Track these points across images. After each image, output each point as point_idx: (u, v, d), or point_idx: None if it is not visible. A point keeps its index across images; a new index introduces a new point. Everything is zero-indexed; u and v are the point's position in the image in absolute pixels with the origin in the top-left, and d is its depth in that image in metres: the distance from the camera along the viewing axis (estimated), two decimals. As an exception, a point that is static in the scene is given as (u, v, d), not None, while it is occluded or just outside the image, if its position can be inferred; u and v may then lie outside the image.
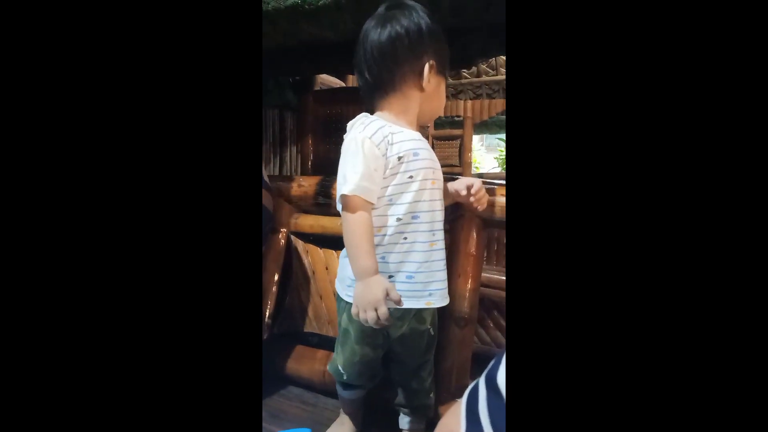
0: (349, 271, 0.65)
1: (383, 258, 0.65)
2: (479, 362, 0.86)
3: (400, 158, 0.65)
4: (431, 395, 0.79)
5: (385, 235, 0.65)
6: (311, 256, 1.02)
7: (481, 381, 0.35)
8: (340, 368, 0.74)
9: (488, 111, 2.99)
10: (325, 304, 0.98)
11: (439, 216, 0.70)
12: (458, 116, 3.05)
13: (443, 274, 0.70)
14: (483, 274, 0.88)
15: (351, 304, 0.64)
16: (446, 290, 0.71)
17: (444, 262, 0.70)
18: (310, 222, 1.02)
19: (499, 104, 2.89)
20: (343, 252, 0.69)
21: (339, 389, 0.78)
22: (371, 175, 0.63)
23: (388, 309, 0.59)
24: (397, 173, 0.65)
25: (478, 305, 0.86)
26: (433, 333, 0.75)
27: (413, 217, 0.66)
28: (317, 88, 1.46)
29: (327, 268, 0.99)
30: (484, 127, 3.32)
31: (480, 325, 1.15)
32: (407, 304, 0.64)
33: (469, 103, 3.01)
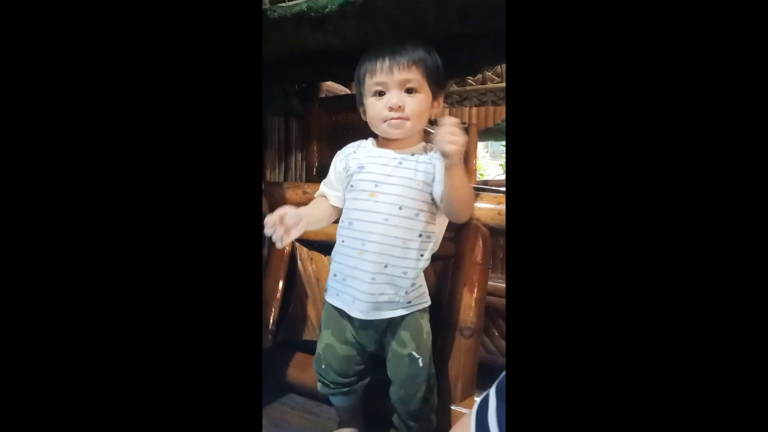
0: (330, 279, 0.76)
1: (334, 257, 0.76)
2: (484, 372, 0.86)
3: (348, 171, 0.75)
4: (431, 427, 0.76)
5: (339, 235, 0.75)
6: (315, 263, 1.02)
7: (492, 391, 0.35)
8: (319, 361, 0.77)
9: (493, 118, 2.98)
10: (329, 312, 0.97)
11: (376, 228, 0.69)
12: (463, 123, 3.05)
13: (370, 288, 0.69)
14: (488, 283, 0.87)
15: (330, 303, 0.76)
16: (371, 306, 0.70)
17: (372, 276, 0.69)
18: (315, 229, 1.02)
19: (504, 111, 2.88)
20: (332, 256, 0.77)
21: (329, 395, 0.79)
22: (331, 182, 0.79)
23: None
24: (349, 183, 0.75)
25: (484, 314, 0.85)
26: (421, 363, 0.71)
27: (349, 223, 0.73)
28: (322, 95, 1.46)
29: (331, 276, 0.99)
30: (489, 134, 3.32)
31: (485, 334, 1.14)
32: (336, 302, 0.75)
33: (474, 110, 3.01)
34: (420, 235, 0.70)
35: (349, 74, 0.99)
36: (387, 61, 0.70)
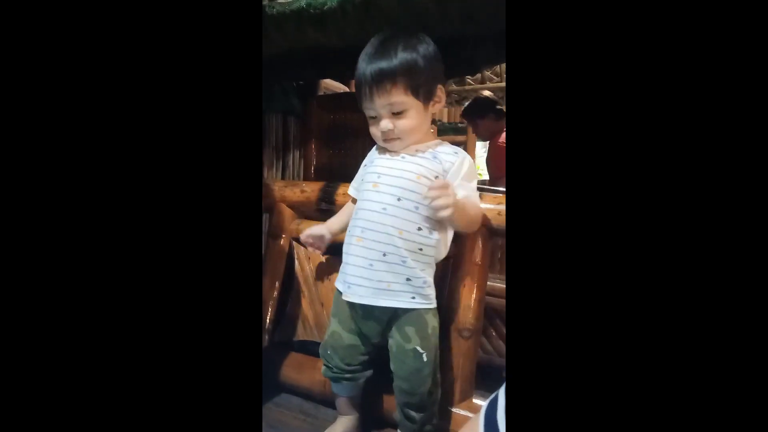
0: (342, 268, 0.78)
1: (344, 246, 0.77)
2: (481, 372, 0.85)
3: (365, 167, 0.80)
4: (433, 422, 0.76)
5: (348, 226, 0.78)
6: (313, 262, 1.01)
7: (501, 391, 0.36)
8: (325, 346, 0.80)
9: (492, 118, 2.98)
10: (327, 312, 0.97)
11: (374, 216, 0.71)
12: (462, 122, 3.05)
13: (368, 273, 0.71)
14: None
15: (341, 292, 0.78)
16: (370, 291, 0.71)
17: (370, 262, 0.71)
18: (313, 228, 1.01)
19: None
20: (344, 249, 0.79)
21: (332, 386, 0.81)
22: (356, 178, 0.84)
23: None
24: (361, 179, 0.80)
25: (483, 315, 0.84)
26: (425, 358, 0.72)
27: (355, 213, 0.76)
28: (321, 93, 1.45)
29: (329, 276, 0.98)
30: (487, 133, 3.32)
31: (483, 334, 1.13)
32: (340, 287, 0.77)
33: (473, 109, 3.00)
34: (419, 229, 0.71)
35: (348, 72, 0.99)
36: (368, 89, 0.70)
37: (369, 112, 0.73)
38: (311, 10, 0.77)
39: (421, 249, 0.71)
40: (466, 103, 2.28)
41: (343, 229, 0.81)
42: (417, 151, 0.74)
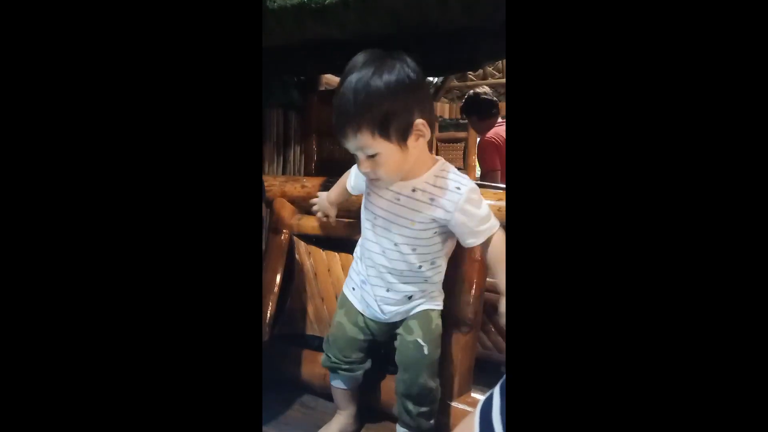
0: (351, 271, 0.82)
1: (355, 258, 0.81)
2: (480, 367, 0.86)
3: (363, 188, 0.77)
4: (430, 421, 0.77)
5: (358, 244, 0.80)
6: (313, 257, 1.02)
7: (496, 390, 0.36)
8: (327, 335, 0.82)
9: (493, 114, 2.97)
10: (327, 306, 0.97)
11: (375, 258, 0.73)
12: (463, 119, 3.04)
13: (377, 301, 0.76)
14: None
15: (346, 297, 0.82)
16: (383, 315, 0.76)
17: (375, 296, 0.75)
18: (313, 223, 1.02)
19: (504, 107, 2.88)
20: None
21: (330, 377, 0.82)
22: (355, 171, 0.81)
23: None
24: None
25: (482, 311, 0.85)
26: (426, 351, 0.74)
27: (362, 242, 0.77)
28: (322, 88, 1.45)
29: (329, 270, 0.98)
30: (488, 129, 3.31)
31: (481, 329, 1.14)
32: (351, 298, 0.80)
33: (474, 105, 2.99)
34: (420, 267, 0.72)
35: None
36: (338, 128, 0.63)
37: (349, 149, 0.66)
38: (312, 4, 0.76)
39: (426, 280, 0.75)
40: (463, 100, 2.32)
41: (341, 200, 0.89)
42: (413, 190, 0.68)
